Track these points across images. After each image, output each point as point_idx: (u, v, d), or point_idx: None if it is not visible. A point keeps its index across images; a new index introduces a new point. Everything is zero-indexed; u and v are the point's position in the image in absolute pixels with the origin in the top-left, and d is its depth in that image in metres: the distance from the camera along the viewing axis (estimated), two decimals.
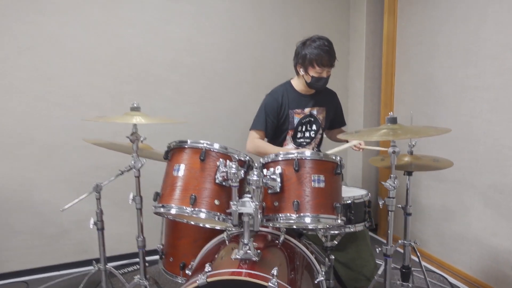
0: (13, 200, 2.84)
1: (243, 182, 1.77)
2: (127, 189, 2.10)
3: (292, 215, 1.69)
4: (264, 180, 1.71)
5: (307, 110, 2.63)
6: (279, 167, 1.75)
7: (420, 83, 3.07)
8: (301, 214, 1.69)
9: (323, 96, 2.69)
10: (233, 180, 1.65)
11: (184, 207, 1.72)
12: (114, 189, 2.43)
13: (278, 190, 1.73)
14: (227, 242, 1.93)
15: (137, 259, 2.14)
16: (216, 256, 1.85)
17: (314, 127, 2.66)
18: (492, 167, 2.58)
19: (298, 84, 2.63)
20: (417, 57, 3.07)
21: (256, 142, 2.56)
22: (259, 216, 1.66)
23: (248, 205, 1.66)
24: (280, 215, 1.72)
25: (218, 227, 1.95)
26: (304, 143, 2.66)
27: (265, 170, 1.75)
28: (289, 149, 2.57)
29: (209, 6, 3.13)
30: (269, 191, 1.76)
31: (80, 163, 2.92)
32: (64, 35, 2.81)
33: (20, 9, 2.69)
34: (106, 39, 2.90)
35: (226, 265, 1.67)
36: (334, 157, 1.79)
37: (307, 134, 2.66)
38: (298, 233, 2.23)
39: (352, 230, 2.11)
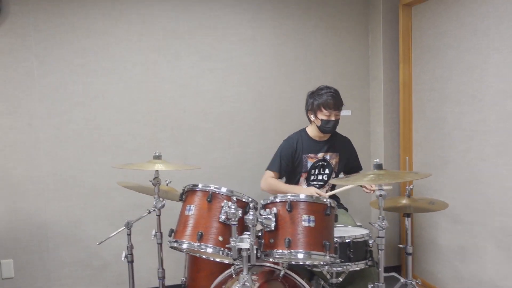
0: (64, 235, 3.23)
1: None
2: (162, 226, 2.41)
3: (284, 251, 1.92)
4: (259, 220, 1.94)
5: (320, 155, 2.84)
6: (275, 208, 1.99)
7: (434, 128, 3.19)
8: (292, 250, 1.91)
9: (336, 142, 2.90)
10: (233, 219, 1.91)
11: (192, 242, 2.00)
12: (150, 226, 2.69)
13: (273, 228, 1.96)
14: (233, 275, 2.17)
15: None
16: (223, 287, 2.10)
17: (327, 170, 2.86)
18: (501, 209, 2.64)
19: (312, 130, 2.87)
20: (431, 103, 3.22)
21: (269, 180, 2.80)
22: (254, 252, 1.90)
23: (246, 241, 1.90)
24: (275, 251, 1.95)
25: (226, 261, 2.20)
26: (317, 186, 2.84)
27: (262, 211, 2.00)
28: (297, 187, 2.78)
29: (237, 62, 3.47)
30: (266, 229, 2.00)
31: (120, 202, 3.28)
32: (109, 92, 3.25)
33: (74, 71, 3.17)
34: (145, 94, 3.31)
35: None
36: (324, 200, 2.01)
37: (320, 177, 2.86)
38: (310, 273, 2.42)
39: (351, 268, 2.24)
